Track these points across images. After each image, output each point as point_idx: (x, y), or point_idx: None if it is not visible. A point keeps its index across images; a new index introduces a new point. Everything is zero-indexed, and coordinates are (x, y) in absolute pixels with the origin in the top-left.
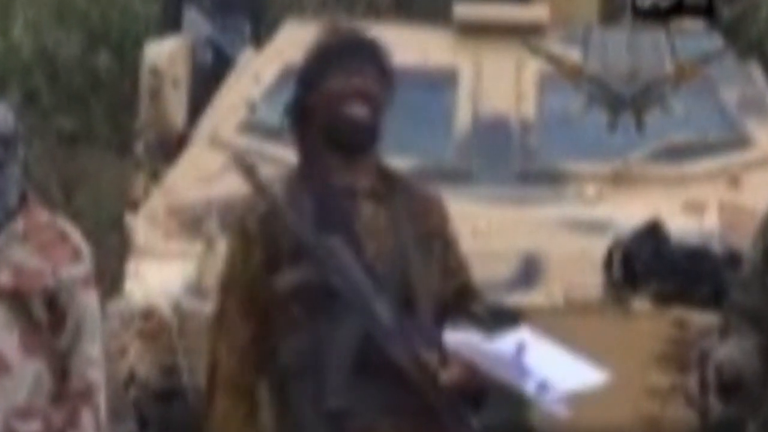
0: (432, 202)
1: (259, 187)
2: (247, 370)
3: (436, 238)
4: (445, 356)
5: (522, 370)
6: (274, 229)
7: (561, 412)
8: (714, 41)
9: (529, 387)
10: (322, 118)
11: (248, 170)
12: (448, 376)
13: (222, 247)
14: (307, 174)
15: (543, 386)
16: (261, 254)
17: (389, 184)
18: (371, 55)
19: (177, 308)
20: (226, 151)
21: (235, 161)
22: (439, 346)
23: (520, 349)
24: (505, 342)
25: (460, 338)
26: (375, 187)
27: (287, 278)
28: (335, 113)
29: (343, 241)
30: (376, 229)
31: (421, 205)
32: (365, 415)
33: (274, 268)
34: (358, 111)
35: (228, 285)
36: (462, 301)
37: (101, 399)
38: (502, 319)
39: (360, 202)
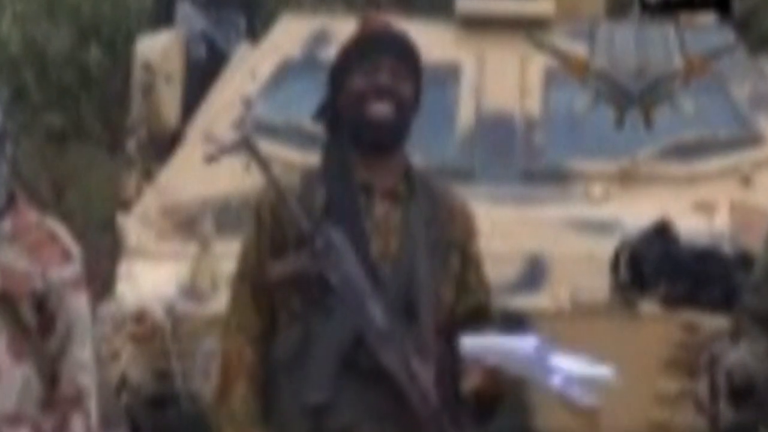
0: (457, 213)
1: (265, 171)
2: (264, 361)
3: (455, 250)
4: (460, 364)
5: (547, 368)
6: (283, 218)
7: (591, 402)
8: (725, 36)
9: (556, 382)
10: (348, 117)
11: (255, 153)
12: (468, 383)
13: (217, 248)
14: (326, 168)
15: (569, 380)
16: (270, 242)
17: (412, 186)
18: (398, 50)
19: (170, 311)
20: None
21: (242, 143)
22: (433, 359)
23: (542, 348)
24: (524, 342)
25: (479, 342)
26: (395, 187)
27: (282, 266)
28: (358, 112)
29: (347, 236)
30: (386, 228)
31: (443, 213)
32: (346, 414)
33: (279, 257)
34: (381, 110)
35: (241, 274)
36: (474, 323)
37: (92, 405)
38: (508, 323)
39: (375, 200)
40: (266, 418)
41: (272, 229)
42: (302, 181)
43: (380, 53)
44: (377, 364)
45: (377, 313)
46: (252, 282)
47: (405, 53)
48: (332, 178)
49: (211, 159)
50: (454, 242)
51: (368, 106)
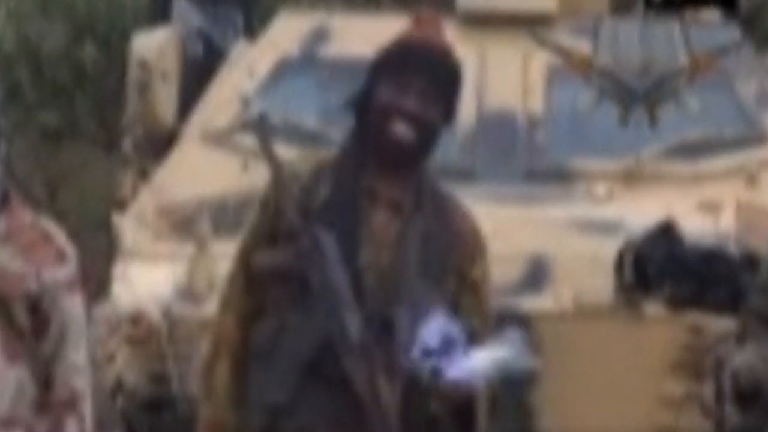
0: (463, 237)
1: (270, 159)
2: (246, 344)
3: (452, 274)
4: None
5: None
6: (281, 206)
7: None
8: (731, 32)
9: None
10: (370, 126)
11: (262, 138)
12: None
13: (214, 248)
14: (337, 164)
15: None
16: (269, 228)
17: (420, 199)
18: (433, 73)
19: (167, 313)
20: (219, 147)
21: (252, 127)
22: (403, 378)
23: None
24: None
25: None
26: (401, 198)
27: (269, 257)
28: (380, 128)
29: (339, 240)
30: (381, 239)
31: (447, 235)
32: (303, 417)
33: (272, 246)
34: (402, 132)
35: (240, 253)
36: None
37: (87, 408)
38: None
39: (377, 208)
40: (242, 404)
41: (273, 216)
42: (311, 172)
43: (412, 73)
44: (341, 372)
45: (352, 322)
46: (246, 264)
47: (440, 76)
48: (339, 177)
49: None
50: (453, 266)
51: (390, 124)
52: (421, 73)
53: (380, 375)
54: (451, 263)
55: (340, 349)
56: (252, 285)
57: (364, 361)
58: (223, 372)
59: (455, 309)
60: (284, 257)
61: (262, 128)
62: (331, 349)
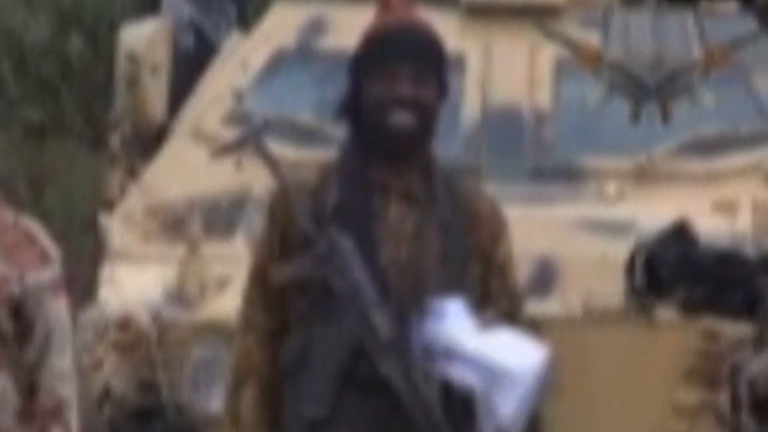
0: (482, 218)
1: (273, 170)
2: (274, 363)
3: (477, 257)
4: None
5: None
6: (290, 215)
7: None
8: (747, 24)
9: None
10: (367, 122)
11: (262, 150)
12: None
13: (206, 250)
14: (342, 165)
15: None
16: (281, 240)
17: (432, 187)
18: (419, 54)
19: (156, 318)
20: (210, 144)
21: (248, 140)
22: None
23: None
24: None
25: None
26: (413, 188)
27: (287, 269)
28: (378, 120)
29: (356, 241)
30: (399, 233)
31: (465, 218)
32: (344, 428)
33: (288, 258)
34: (402, 120)
35: (253, 271)
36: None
37: (73, 417)
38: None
39: (390, 202)
40: (274, 425)
41: (284, 227)
42: (318, 176)
43: (399, 59)
44: (378, 375)
45: (381, 322)
46: (262, 280)
47: (427, 54)
48: (347, 177)
49: (216, 156)
50: (476, 249)
51: (388, 115)
52: (406, 58)
53: (416, 370)
54: (473, 248)
55: (371, 350)
56: (271, 302)
57: (398, 359)
58: (249, 396)
59: (484, 294)
60: (303, 267)
61: (260, 139)
62: (364, 353)
